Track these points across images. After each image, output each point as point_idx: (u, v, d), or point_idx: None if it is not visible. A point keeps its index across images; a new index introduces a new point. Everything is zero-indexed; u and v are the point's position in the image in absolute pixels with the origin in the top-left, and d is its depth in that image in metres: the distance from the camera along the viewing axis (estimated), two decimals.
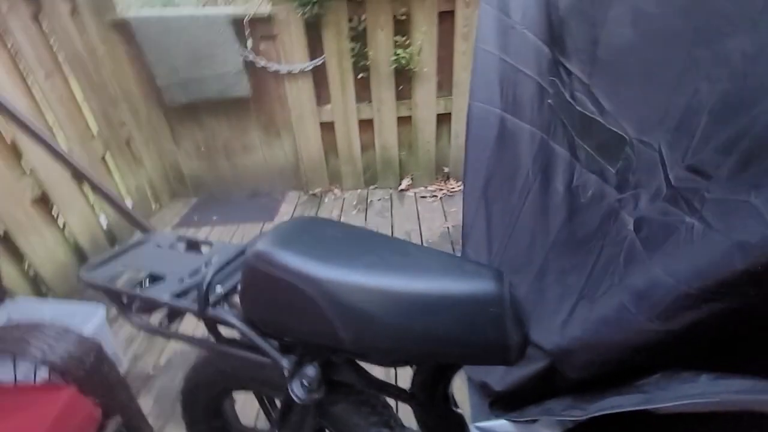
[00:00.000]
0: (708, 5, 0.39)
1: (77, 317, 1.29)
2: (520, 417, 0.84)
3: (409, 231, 2.20)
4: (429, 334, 0.50)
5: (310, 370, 0.58)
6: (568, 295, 0.65)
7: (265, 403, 0.92)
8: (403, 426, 0.72)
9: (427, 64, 2.22)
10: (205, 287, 0.59)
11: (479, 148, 1.18)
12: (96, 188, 1.07)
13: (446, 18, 2.14)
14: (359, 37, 2.17)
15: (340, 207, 2.51)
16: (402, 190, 2.60)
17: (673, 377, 0.43)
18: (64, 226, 1.89)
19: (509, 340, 0.49)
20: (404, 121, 2.44)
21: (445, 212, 2.33)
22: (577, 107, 0.65)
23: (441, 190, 2.53)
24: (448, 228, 2.18)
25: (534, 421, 0.78)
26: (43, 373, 0.90)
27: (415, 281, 0.50)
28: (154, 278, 0.70)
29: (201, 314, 0.60)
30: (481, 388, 1.20)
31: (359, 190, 2.66)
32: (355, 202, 2.54)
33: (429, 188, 2.57)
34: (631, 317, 0.47)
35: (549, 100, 0.81)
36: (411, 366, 0.64)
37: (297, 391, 0.58)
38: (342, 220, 2.38)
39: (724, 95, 0.37)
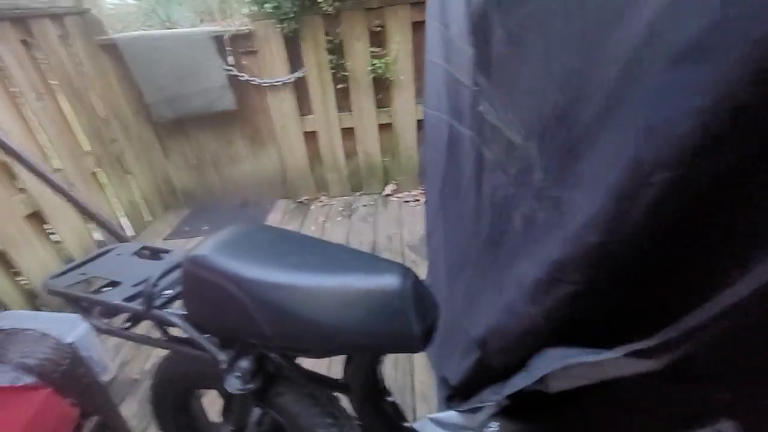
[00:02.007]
0: (550, 26, 0.45)
1: (63, 327, 1.36)
2: (464, 407, 0.89)
3: (391, 235, 2.25)
4: (338, 326, 0.55)
5: (244, 363, 0.64)
6: (487, 289, 0.70)
7: None
8: (348, 417, 0.77)
9: (403, 73, 2.29)
10: (149, 290, 0.65)
11: (434, 153, 1.24)
12: (73, 201, 1.14)
13: (421, 27, 2.20)
14: (337, 49, 2.25)
15: (326, 214, 2.57)
16: (387, 195, 2.66)
17: (538, 354, 0.48)
18: (58, 241, 1.97)
19: (412, 330, 0.55)
20: (385, 128, 2.51)
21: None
22: (486, 116, 0.70)
23: (424, 194, 2.58)
24: (426, 236, 2.22)
25: (478, 409, 0.83)
26: (22, 377, 0.96)
27: (326, 278, 0.56)
28: (113, 284, 0.76)
29: (146, 314, 0.67)
30: (442, 384, 1.25)
31: (345, 197, 2.72)
32: (341, 209, 2.60)
33: (413, 193, 2.63)
34: (516, 303, 0.53)
35: (479, 107, 0.87)
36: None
37: (232, 382, 0.64)
38: (327, 226, 2.45)
39: (563, 105, 0.42)
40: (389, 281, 0.55)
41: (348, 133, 2.52)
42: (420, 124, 2.48)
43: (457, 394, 1.11)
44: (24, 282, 1.77)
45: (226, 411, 0.76)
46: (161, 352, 1.68)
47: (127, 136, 2.49)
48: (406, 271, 0.57)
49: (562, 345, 0.44)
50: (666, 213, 0.30)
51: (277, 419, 0.80)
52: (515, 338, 0.55)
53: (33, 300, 1.81)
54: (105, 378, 1.50)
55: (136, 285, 0.73)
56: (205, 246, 0.63)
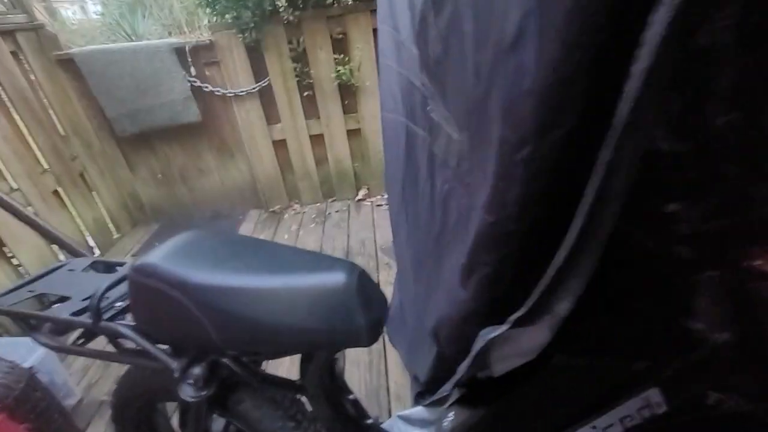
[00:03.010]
0: (465, 26, 0.47)
1: (21, 350, 1.31)
2: (428, 401, 0.91)
3: (364, 239, 2.27)
4: (285, 325, 0.56)
5: (197, 370, 0.64)
6: (438, 282, 0.72)
7: None
8: (312, 419, 0.77)
9: (368, 78, 2.32)
10: (96, 302, 0.64)
11: (394, 155, 1.26)
12: (24, 220, 1.11)
13: None
14: (300, 57, 2.26)
15: (299, 221, 2.56)
16: (359, 200, 2.67)
17: (476, 338, 0.50)
18: (18, 264, 1.90)
19: (358, 324, 0.56)
20: (354, 133, 2.53)
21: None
22: (431, 114, 0.73)
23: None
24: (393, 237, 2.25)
25: (440, 402, 0.85)
26: None
27: (270, 279, 0.57)
28: (63, 300, 0.75)
29: (95, 328, 0.66)
30: (414, 382, 1.27)
31: (318, 204, 2.72)
32: (314, 216, 2.60)
33: (384, 196, 2.65)
34: (453, 291, 0.55)
35: (428, 107, 0.90)
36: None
37: (185, 390, 0.64)
38: (301, 233, 2.44)
39: (474, 98, 0.45)
40: (333, 278, 0.56)
41: (317, 139, 2.53)
42: None
43: (426, 390, 1.12)
44: None
45: (182, 419, 0.75)
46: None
47: (90, 152, 2.42)
48: (351, 267, 0.58)
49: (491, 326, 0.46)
50: (536, 188, 0.32)
51: (240, 428, 0.79)
52: (457, 326, 0.57)
53: None
54: (70, 401, 1.45)
55: (85, 299, 0.72)
56: (149, 255, 0.63)
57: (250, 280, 0.57)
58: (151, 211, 2.71)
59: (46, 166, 2.13)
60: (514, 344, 0.42)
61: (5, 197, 1.10)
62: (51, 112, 2.21)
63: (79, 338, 0.76)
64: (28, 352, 1.31)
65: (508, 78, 0.31)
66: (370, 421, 0.78)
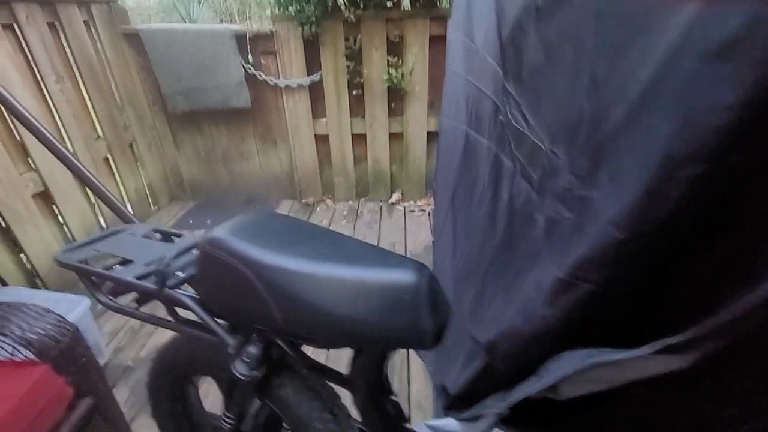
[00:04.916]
0: (582, 35, 0.46)
1: (62, 306, 1.35)
2: (464, 415, 0.88)
3: (395, 243, 2.26)
4: (350, 316, 0.55)
5: (253, 349, 0.64)
6: (499, 294, 0.71)
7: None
8: (347, 416, 0.76)
9: (418, 84, 2.32)
10: (163, 268, 0.66)
11: (448, 161, 1.25)
12: (82, 178, 1.15)
13: (438, 41, 2.25)
14: (354, 55, 2.28)
15: (331, 217, 2.58)
16: (392, 203, 2.67)
17: (552, 359, 0.48)
18: (64, 222, 1.97)
19: (424, 326, 0.55)
20: (396, 137, 2.53)
21: (431, 226, 2.39)
22: (513, 122, 0.72)
23: (429, 205, 2.59)
24: (433, 242, 2.23)
25: (478, 418, 0.83)
26: (20, 351, 0.96)
27: (340, 268, 0.56)
28: (125, 263, 0.77)
29: (158, 294, 0.67)
30: (441, 392, 1.24)
31: (351, 202, 2.73)
32: (345, 213, 2.61)
33: (418, 203, 2.64)
34: (531, 306, 0.53)
35: (501, 117, 0.88)
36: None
37: (239, 367, 0.64)
38: (331, 229, 2.45)
39: (592, 112, 0.43)
40: (404, 276, 0.55)
41: (359, 138, 2.55)
42: (430, 135, 2.50)
43: (456, 403, 1.10)
44: (27, 260, 1.77)
45: (228, 396, 0.76)
46: (156, 341, 1.66)
47: (141, 125, 2.51)
48: (421, 267, 0.57)
49: (573, 348, 0.44)
50: (691, 209, 0.30)
51: (275, 412, 0.79)
52: (525, 342, 0.55)
53: (32, 279, 1.80)
54: (99, 362, 1.49)
55: (148, 264, 0.74)
56: (222, 229, 0.63)
57: (320, 267, 0.57)
58: (189, 188, 2.78)
59: (100, 133, 2.22)
60: (613, 370, 0.39)
61: (73, 159, 1.14)
62: (112, 82, 2.30)
63: (132, 301, 0.77)
64: (69, 309, 1.35)
65: (699, 86, 0.29)
66: (408, 426, 0.76)
